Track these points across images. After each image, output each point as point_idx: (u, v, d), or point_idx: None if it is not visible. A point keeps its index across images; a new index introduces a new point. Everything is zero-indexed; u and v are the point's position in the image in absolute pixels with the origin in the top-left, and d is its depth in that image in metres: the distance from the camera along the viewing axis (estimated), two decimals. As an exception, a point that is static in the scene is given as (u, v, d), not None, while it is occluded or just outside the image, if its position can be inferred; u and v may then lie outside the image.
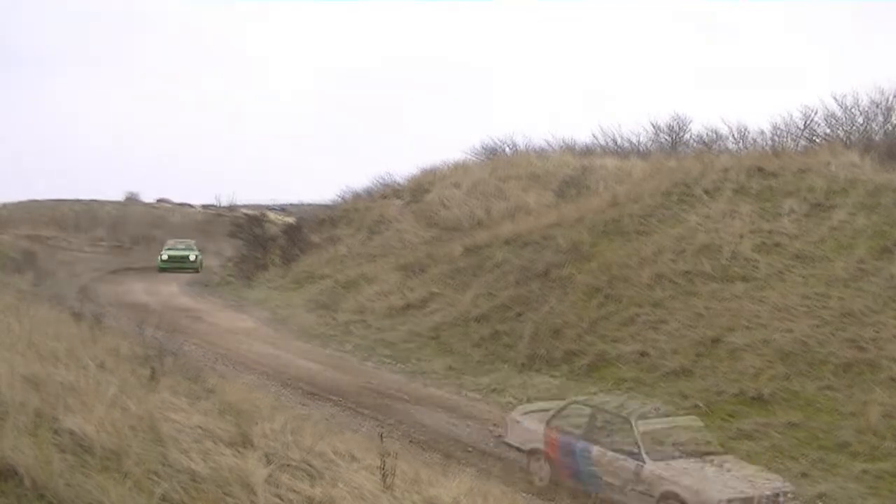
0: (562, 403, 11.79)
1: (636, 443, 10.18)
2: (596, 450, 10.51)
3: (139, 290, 27.88)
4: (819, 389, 12.28)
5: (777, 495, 9.62)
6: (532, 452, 11.23)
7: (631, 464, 10.08)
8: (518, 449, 11.46)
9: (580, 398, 12.06)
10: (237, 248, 32.01)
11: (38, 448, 5.14)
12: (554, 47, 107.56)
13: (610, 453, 10.35)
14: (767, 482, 9.87)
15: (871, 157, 18.90)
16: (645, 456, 10.04)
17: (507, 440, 11.81)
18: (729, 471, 10.12)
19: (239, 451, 6.15)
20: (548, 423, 11.23)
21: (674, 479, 9.75)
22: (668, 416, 11.06)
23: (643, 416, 10.55)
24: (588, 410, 11.17)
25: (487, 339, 17.21)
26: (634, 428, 10.27)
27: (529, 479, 11.03)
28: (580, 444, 10.71)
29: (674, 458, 10.17)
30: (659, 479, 9.86)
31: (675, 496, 9.67)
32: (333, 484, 5.98)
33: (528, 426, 11.42)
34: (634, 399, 11.29)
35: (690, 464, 10.07)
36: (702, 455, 10.32)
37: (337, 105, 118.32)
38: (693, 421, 11.14)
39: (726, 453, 10.69)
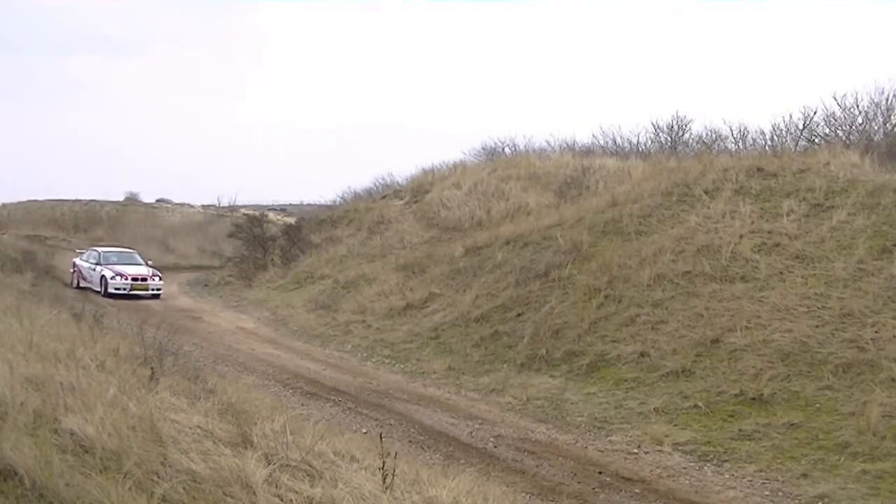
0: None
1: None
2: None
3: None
4: (819, 390, 12.28)
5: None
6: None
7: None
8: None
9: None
10: (237, 249, 32.00)
11: (38, 448, 5.15)
12: (554, 47, 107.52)
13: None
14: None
15: (870, 157, 18.90)
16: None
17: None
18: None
19: (239, 452, 6.15)
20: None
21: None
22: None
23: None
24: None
25: (487, 340, 17.22)
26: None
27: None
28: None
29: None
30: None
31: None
32: (333, 484, 5.98)
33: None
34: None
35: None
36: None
37: (337, 105, 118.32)
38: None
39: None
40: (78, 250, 30.25)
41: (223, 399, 8.74)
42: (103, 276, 25.59)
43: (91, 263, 26.75)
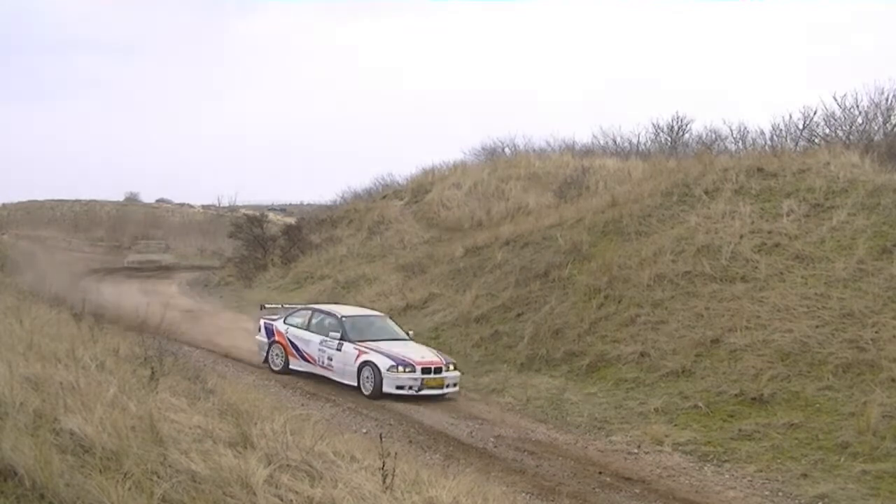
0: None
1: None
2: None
3: (137, 289, 27.87)
4: (819, 390, 12.28)
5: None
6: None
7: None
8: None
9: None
10: (237, 249, 32.02)
11: (38, 448, 5.15)
12: (554, 47, 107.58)
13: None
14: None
15: (870, 157, 18.87)
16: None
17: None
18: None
19: (239, 452, 6.16)
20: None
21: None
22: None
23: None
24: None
25: (487, 340, 17.21)
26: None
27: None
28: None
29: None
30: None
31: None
32: (334, 484, 5.99)
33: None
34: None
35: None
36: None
37: (337, 105, 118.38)
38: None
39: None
40: (267, 305, 19.13)
41: (223, 399, 8.75)
42: (369, 363, 14.66)
43: (327, 336, 15.60)
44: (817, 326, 13.52)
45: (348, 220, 31.69)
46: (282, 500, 5.53)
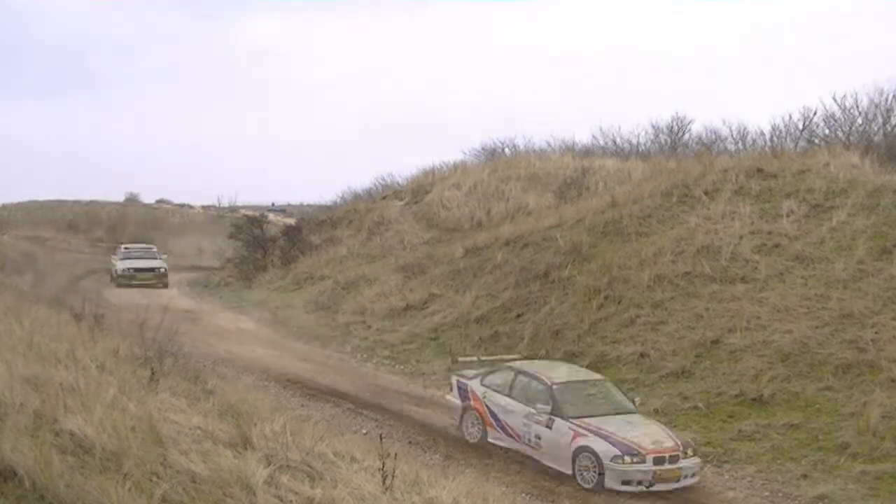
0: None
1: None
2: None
3: (136, 290, 27.81)
4: (819, 390, 12.29)
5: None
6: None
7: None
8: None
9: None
10: (237, 250, 31.98)
11: (38, 449, 5.16)
12: (554, 47, 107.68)
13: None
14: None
15: (870, 157, 18.90)
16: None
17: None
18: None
19: (239, 452, 6.17)
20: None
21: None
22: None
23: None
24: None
25: (487, 341, 17.21)
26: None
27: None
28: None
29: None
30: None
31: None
32: (333, 485, 6.00)
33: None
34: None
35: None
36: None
37: (337, 105, 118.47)
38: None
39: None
40: (461, 358, 15.39)
41: (223, 400, 8.75)
42: (587, 449, 11.16)
43: (534, 409, 12.09)
44: (817, 327, 13.53)
45: (348, 221, 31.68)
46: (282, 500, 5.54)
